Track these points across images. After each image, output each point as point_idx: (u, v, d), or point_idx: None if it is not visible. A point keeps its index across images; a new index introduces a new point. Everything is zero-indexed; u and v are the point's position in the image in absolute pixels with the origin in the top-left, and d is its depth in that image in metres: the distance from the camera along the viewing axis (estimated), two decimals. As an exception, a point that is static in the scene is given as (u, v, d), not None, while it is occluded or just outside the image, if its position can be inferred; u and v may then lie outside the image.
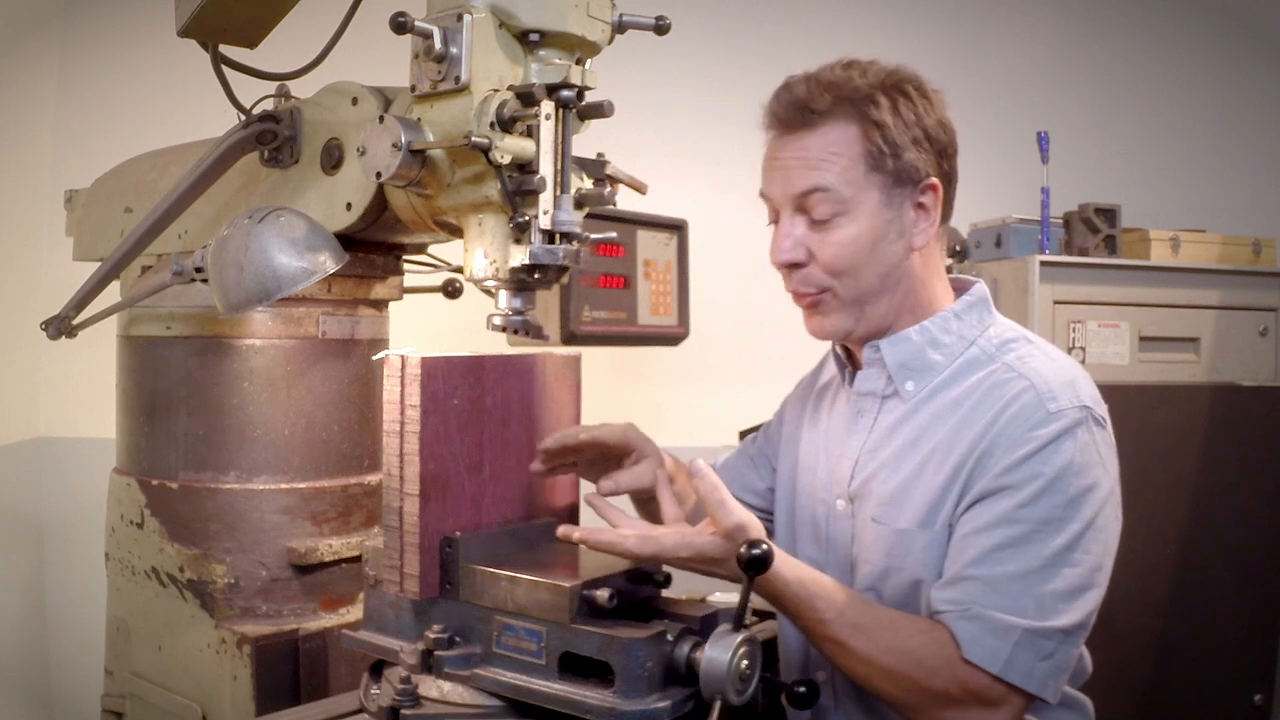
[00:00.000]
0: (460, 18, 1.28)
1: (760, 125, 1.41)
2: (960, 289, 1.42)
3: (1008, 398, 1.27)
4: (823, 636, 1.22)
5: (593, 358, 1.57)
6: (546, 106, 1.26)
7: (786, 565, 1.19)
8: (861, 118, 1.31)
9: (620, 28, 1.38)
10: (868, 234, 1.32)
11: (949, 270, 1.48)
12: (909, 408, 1.36)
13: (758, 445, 1.67)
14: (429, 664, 1.19)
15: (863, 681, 1.23)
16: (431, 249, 1.92)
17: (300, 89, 1.74)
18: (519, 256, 1.30)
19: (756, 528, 1.18)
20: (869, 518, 1.35)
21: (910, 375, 1.37)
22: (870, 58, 1.36)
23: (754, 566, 1.08)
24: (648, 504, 1.50)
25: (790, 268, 1.35)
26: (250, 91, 1.72)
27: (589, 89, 1.31)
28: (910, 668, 1.20)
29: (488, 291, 1.40)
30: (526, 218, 1.28)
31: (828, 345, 1.54)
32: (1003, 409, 1.26)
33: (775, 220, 1.39)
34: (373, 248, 1.72)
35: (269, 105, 1.71)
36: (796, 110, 1.33)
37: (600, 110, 1.32)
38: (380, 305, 1.82)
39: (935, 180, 1.34)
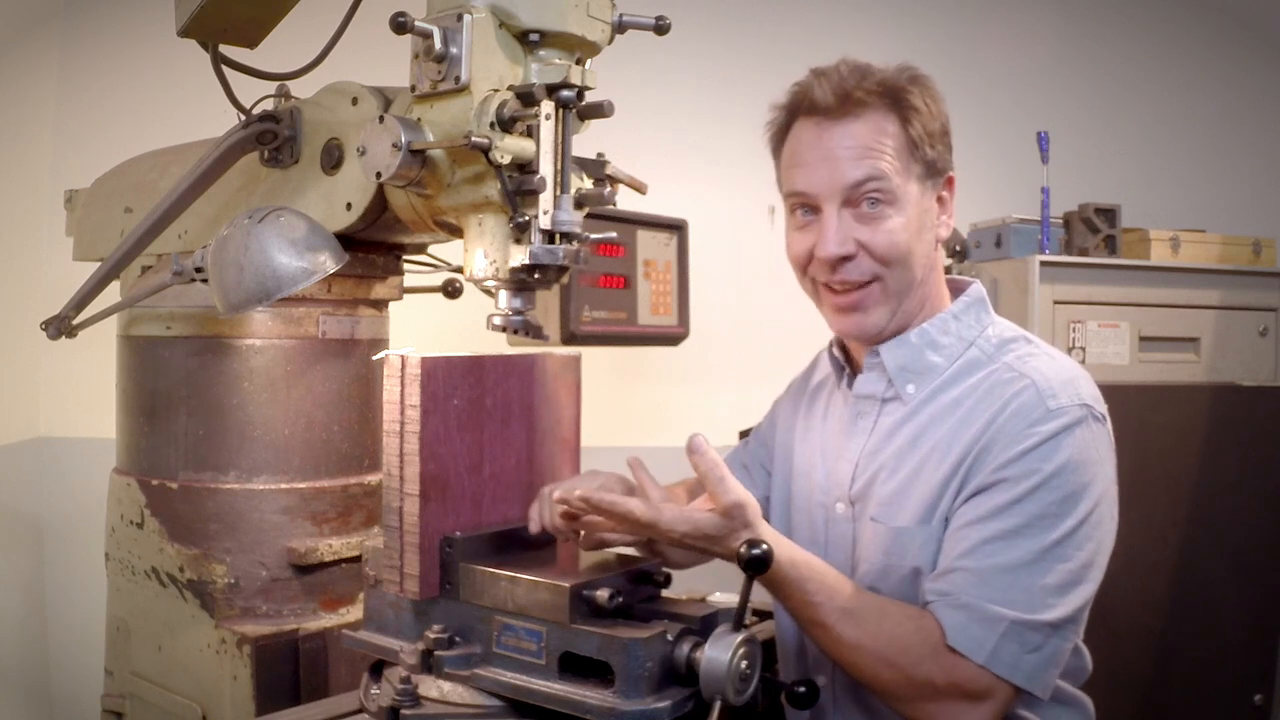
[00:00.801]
0: (460, 18, 1.28)
1: (765, 125, 1.40)
2: (957, 289, 1.43)
3: (1008, 395, 1.27)
4: (811, 620, 1.22)
5: (593, 358, 1.57)
6: (546, 106, 1.26)
7: (780, 545, 1.18)
8: (901, 106, 1.32)
9: (620, 28, 1.38)
10: (914, 223, 1.33)
11: (948, 270, 1.48)
12: (909, 409, 1.36)
13: (750, 451, 1.66)
14: (429, 664, 1.19)
15: (850, 669, 1.23)
16: (431, 249, 1.92)
17: (300, 89, 1.74)
18: (519, 256, 1.30)
19: (754, 507, 1.18)
20: (869, 518, 1.35)
21: (911, 378, 1.37)
22: (868, 58, 1.36)
23: (754, 566, 1.08)
24: (646, 544, 1.41)
25: (839, 261, 1.33)
26: (250, 91, 1.72)
27: (589, 89, 1.31)
28: (896, 654, 1.19)
29: (488, 291, 1.40)
30: (526, 218, 1.28)
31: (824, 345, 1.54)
32: (1003, 406, 1.26)
33: (799, 211, 1.36)
34: (373, 248, 1.72)
35: (269, 105, 1.71)
36: (840, 97, 1.31)
37: (600, 110, 1.32)
38: (380, 305, 1.81)
39: (953, 173, 1.37)
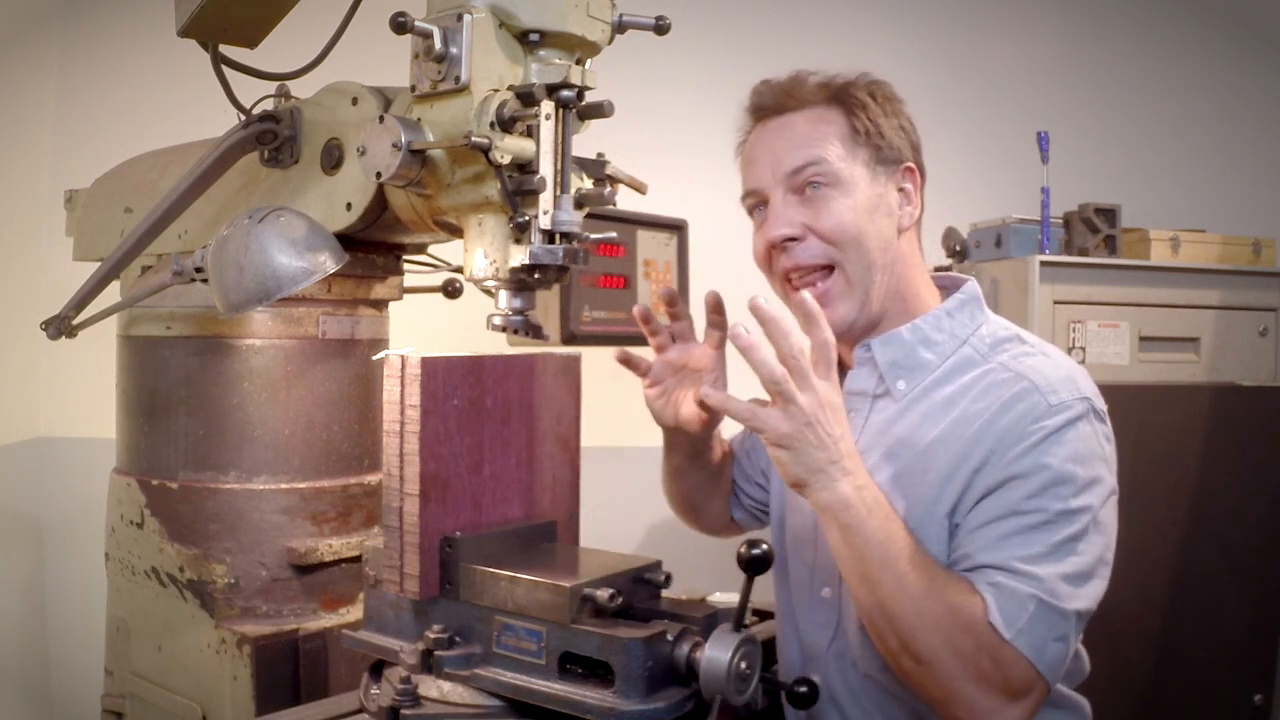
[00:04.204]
0: (460, 18, 1.28)
1: (738, 130, 1.44)
2: (951, 287, 1.43)
3: (1008, 397, 1.27)
4: (885, 557, 1.17)
5: (593, 358, 1.57)
6: (546, 106, 1.26)
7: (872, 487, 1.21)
8: (844, 99, 1.37)
9: (620, 28, 1.38)
10: (864, 204, 1.35)
11: (948, 270, 1.48)
12: (900, 407, 1.36)
13: (759, 444, 1.67)
14: (429, 664, 1.19)
15: (907, 621, 1.17)
16: (431, 249, 1.92)
17: (300, 89, 1.74)
18: (519, 256, 1.30)
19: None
20: None
21: (902, 374, 1.37)
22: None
23: (754, 566, 1.08)
24: (685, 476, 1.57)
25: (786, 243, 1.36)
26: (250, 91, 1.72)
27: (589, 89, 1.31)
28: (950, 619, 1.16)
29: (488, 291, 1.40)
30: (526, 218, 1.28)
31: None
32: (1003, 409, 1.26)
33: (755, 212, 1.42)
34: (373, 248, 1.72)
35: (269, 105, 1.71)
36: (781, 96, 1.38)
37: (600, 110, 1.32)
38: (380, 305, 1.82)
39: (913, 164, 1.39)
